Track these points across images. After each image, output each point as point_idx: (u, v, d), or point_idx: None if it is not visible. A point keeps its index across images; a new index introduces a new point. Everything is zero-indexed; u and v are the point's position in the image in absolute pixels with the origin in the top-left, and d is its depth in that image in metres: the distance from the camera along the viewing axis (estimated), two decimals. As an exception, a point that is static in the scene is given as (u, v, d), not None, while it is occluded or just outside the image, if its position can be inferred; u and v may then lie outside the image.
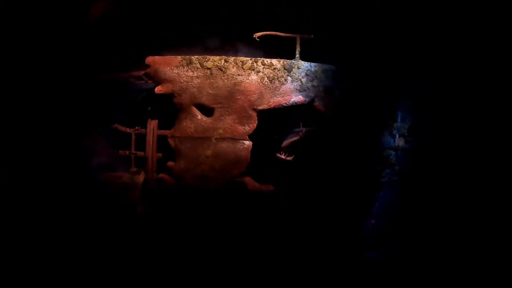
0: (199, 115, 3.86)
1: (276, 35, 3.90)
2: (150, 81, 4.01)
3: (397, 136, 3.86)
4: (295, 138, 3.87)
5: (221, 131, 3.82)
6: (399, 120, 3.87)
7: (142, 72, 4.03)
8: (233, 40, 4.11)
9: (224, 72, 3.82)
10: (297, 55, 3.85)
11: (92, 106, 4.15)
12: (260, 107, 3.79)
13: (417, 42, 3.76)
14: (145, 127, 4.07)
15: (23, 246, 3.85)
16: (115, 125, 4.03)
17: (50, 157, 4.06)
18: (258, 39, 3.90)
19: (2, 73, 4.06)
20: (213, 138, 3.83)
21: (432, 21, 3.68)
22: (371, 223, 3.95)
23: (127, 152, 4.03)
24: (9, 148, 3.96)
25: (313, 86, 3.82)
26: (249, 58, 3.84)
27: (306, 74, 3.82)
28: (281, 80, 3.79)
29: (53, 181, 4.03)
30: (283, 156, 3.86)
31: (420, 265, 3.80)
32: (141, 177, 3.97)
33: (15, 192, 3.98)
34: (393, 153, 3.87)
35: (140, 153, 4.01)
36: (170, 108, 3.98)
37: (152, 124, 3.99)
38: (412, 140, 3.84)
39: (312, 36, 3.88)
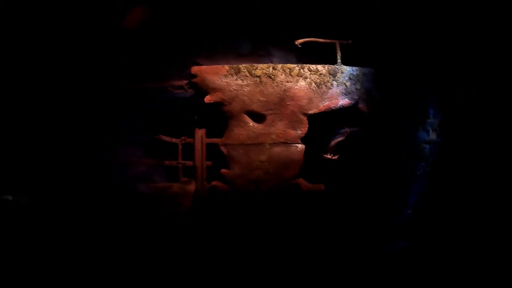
0: (251, 122, 3.96)
1: (316, 41, 4.08)
2: (190, 90, 4.05)
3: (430, 131, 4.20)
4: (340, 139, 4.07)
5: (274, 136, 3.95)
6: (431, 116, 4.22)
7: (185, 82, 4.06)
8: (266, 45, 4.22)
9: (273, 79, 3.94)
10: (339, 60, 4.06)
11: (126, 116, 4.11)
12: (310, 112, 3.96)
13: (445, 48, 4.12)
14: (179, 136, 4.09)
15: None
16: (159, 135, 4.03)
17: (86, 168, 4.00)
18: (300, 46, 4.05)
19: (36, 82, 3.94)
20: (267, 144, 3.95)
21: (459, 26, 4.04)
22: (408, 213, 4.27)
23: (174, 162, 4.05)
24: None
25: (356, 89, 4.05)
26: (295, 65, 3.99)
27: (350, 78, 4.04)
28: (327, 85, 3.98)
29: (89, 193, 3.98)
30: (329, 156, 4.06)
31: (447, 255, 4.19)
32: (192, 186, 4.01)
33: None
34: (427, 146, 4.22)
35: (189, 163, 4.05)
36: (210, 117, 4.06)
37: (200, 133, 4.03)
38: (442, 134, 4.20)
39: (350, 41, 4.10)
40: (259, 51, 4.17)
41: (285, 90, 3.93)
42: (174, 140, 4.01)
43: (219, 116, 3.99)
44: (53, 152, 4.07)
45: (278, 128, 3.92)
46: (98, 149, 4.00)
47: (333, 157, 4.04)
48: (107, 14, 4.05)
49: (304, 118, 3.93)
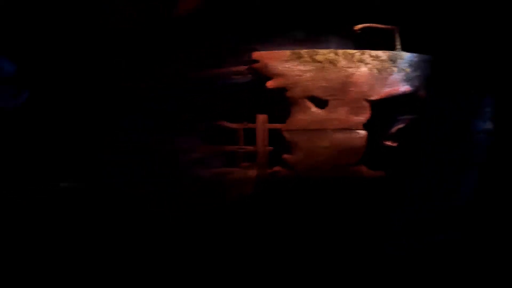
0: (313, 108, 3.93)
1: (374, 27, 4.07)
2: (249, 76, 4.02)
3: (486, 120, 4.22)
4: (401, 125, 4.06)
5: (336, 122, 3.93)
6: (487, 105, 4.23)
7: (243, 67, 4.02)
8: (321, 30, 4.20)
9: (335, 65, 3.92)
10: (399, 46, 4.05)
11: (182, 103, 4.08)
12: (372, 98, 3.94)
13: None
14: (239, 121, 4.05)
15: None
16: (220, 121, 3.99)
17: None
18: (359, 31, 4.04)
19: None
20: (330, 129, 3.92)
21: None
22: (460, 202, 4.28)
23: (235, 148, 4.01)
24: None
25: (416, 76, 4.04)
26: (356, 51, 3.97)
27: (410, 65, 4.03)
28: (388, 71, 3.97)
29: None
30: (390, 143, 4.05)
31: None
32: (253, 172, 3.97)
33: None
34: (483, 135, 4.23)
35: (249, 148, 4.01)
36: (271, 102, 4.03)
37: (262, 118, 4.00)
38: (495, 123, 4.22)
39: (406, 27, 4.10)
40: (315, 36, 4.13)
41: (347, 76, 3.91)
42: (235, 125, 3.94)
43: (280, 101, 3.94)
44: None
45: (341, 114, 3.90)
46: (158, 136, 3.92)
47: (394, 144, 4.01)
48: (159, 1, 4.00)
49: (367, 104, 3.92)
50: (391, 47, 4.07)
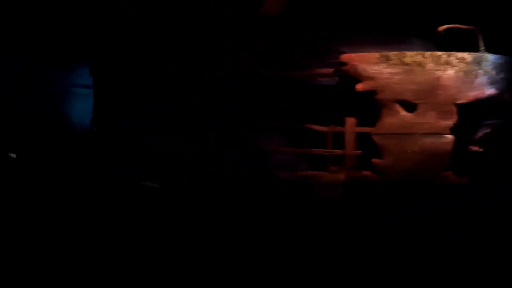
0: (402, 111, 3.88)
1: (458, 28, 4.02)
2: (336, 78, 3.94)
3: None
4: (487, 130, 4.04)
5: (425, 126, 3.88)
6: None
7: (329, 69, 3.94)
8: (404, 31, 4.13)
9: (423, 68, 3.86)
10: (482, 48, 4.01)
11: (268, 104, 3.99)
12: (460, 101, 3.90)
13: None
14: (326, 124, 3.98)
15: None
16: (307, 124, 3.91)
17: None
18: (442, 32, 3.99)
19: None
20: (419, 134, 3.87)
21: None
22: None
23: (323, 151, 3.94)
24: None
25: (501, 78, 4.02)
26: (443, 53, 3.91)
27: (494, 67, 4.00)
28: (473, 74, 3.93)
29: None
30: (476, 148, 4.02)
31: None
32: (341, 176, 3.91)
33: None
34: None
35: (338, 151, 3.94)
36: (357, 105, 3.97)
37: (350, 121, 3.93)
38: None
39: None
40: (398, 37, 4.06)
41: (435, 79, 3.86)
42: (323, 128, 3.86)
43: (367, 104, 3.87)
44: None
45: (429, 117, 3.85)
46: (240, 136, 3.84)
47: (479, 149, 3.99)
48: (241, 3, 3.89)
49: (454, 108, 3.87)
50: (472, 48, 4.01)
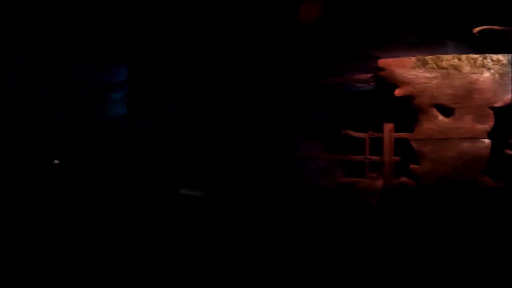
0: (439, 116, 3.82)
1: (492, 29, 3.96)
2: (372, 83, 3.86)
3: None
4: (524, 134, 3.99)
5: (462, 131, 3.82)
6: None
7: (367, 75, 3.86)
8: (438, 34, 4.05)
9: (460, 71, 3.81)
10: (517, 49, 3.96)
11: (305, 111, 3.91)
12: (496, 105, 3.85)
13: None
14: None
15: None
16: (345, 130, 3.84)
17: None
18: (477, 34, 3.92)
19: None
20: (456, 138, 3.82)
21: None
22: None
23: (361, 157, 3.87)
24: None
25: (537, 80, 3.98)
26: (478, 55, 3.86)
27: (530, 68, 3.96)
28: (509, 76, 3.88)
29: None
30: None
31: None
32: (379, 182, 3.85)
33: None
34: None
35: (375, 158, 3.87)
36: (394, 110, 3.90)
37: (388, 127, 3.85)
38: None
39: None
40: (431, 40, 3.98)
41: (471, 82, 3.80)
42: (361, 135, 3.78)
43: (405, 110, 3.80)
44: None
45: (466, 122, 3.80)
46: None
47: (516, 154, 3.95)
48: (278, 8, 3.77)
49: (491, 112, 3.82)
50: (507, 50, 3.95)
